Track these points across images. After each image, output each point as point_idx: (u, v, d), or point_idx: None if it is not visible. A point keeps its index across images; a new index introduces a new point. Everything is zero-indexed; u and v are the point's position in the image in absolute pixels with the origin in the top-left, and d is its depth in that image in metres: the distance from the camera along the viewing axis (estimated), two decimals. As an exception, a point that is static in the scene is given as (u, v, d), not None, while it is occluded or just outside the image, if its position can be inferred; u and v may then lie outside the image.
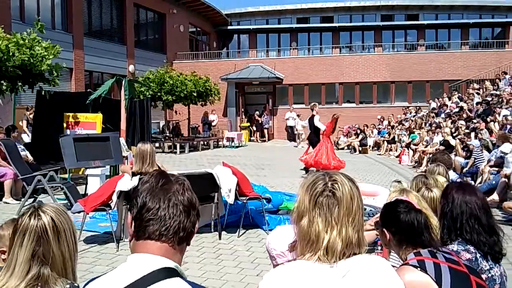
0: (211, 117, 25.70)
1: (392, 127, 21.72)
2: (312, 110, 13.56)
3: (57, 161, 10.81)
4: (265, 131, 26.77)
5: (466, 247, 2.44)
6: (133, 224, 1.47)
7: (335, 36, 33.03)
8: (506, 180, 8.49)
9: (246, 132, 25.61)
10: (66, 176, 10.26)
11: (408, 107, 25.32)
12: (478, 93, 20.31)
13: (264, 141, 26.34)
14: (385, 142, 20.44)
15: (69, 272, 1.81)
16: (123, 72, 23.47)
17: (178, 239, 1.44)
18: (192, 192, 1.50)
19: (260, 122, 26.78)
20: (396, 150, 19.24)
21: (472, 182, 10.39)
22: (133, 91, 13.41)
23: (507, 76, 20.66)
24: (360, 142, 21.08)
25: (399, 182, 4.52)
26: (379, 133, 22.33)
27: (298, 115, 25.31)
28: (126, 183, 6.27)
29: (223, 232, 6.93)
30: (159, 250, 1.42)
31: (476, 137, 12.14)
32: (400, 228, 2.18)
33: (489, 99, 17.38)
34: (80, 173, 11.29)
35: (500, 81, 20.61)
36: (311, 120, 13.40)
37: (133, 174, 6.31)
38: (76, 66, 21.01)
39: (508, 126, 11.60)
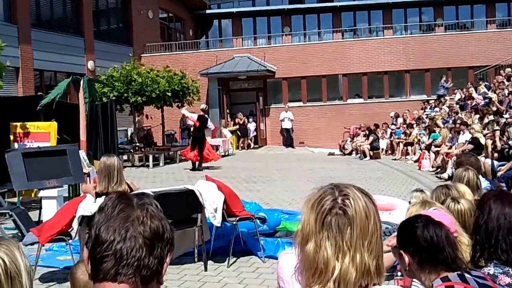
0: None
1: (409, 125, 21.80)
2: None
3: (3, 182, 10.70)
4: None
5: (505, 269, 2.45)
6: (89, 261, 1.42)
7: (336, 18, 33.17)
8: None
9: (233, 138, 25.56)
10: (15, 200, 10.16)
11: (427, 100, 25.45)
12: (509, 81, 20.47)
13: (255, 148, 26.34)
14: (401, 144, 20.51)
15: None
16: (81, 70, 23.35)
17: (141, 278, 1.39)
18: (160, 218, 1.44)
19: (242, 124, 26.79)
20: (415, 154, 19.33)
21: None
22: (94, 92, 13.35)
23: (543, 59, 20.88)
24: (370, 146, 21.13)
25: (421, 191, 4.51)
26: (393, 134, 22.40)
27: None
28: (89, 206, 6.20)
29: (210, 262, 6.88)
30: None
31: (503, 134, 12.18)
32: (418, 246, 2.18)
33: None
34: (33, 195, 11.18)
35: (535, 65, 20.84)
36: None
37: (97, 195, 6.23)
38: (24, 65, 20.82)
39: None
